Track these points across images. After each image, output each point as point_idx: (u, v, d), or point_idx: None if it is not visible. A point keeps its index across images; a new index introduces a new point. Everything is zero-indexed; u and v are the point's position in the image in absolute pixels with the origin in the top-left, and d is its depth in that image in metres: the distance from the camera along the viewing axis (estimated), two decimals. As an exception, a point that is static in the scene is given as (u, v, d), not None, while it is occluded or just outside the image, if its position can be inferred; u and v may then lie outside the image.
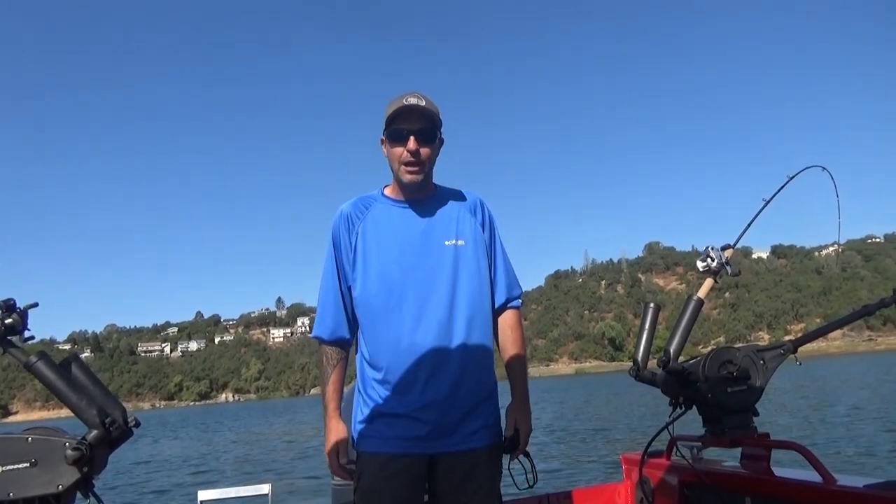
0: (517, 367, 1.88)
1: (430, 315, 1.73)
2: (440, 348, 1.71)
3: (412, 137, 1.74)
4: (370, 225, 1.82)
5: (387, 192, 1.89)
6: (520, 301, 1.95)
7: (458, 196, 1.91)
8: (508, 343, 1.90)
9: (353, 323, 1.85)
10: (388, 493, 1.66)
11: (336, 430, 1.78)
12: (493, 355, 1.85)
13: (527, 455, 1.83)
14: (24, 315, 1.61)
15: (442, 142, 1.85)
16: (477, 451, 1.73)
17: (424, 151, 1.76)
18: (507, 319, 1.91)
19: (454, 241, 1.80)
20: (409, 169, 1.77)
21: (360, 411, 1.78)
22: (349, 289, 1.84)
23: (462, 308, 1.76)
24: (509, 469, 1.83)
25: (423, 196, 1.85)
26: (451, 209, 1.86)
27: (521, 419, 1.82)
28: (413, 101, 1.74)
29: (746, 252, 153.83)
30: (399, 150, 1.76)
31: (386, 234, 1.81)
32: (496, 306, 1.88)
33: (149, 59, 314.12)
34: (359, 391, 1.81)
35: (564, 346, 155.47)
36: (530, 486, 1.85)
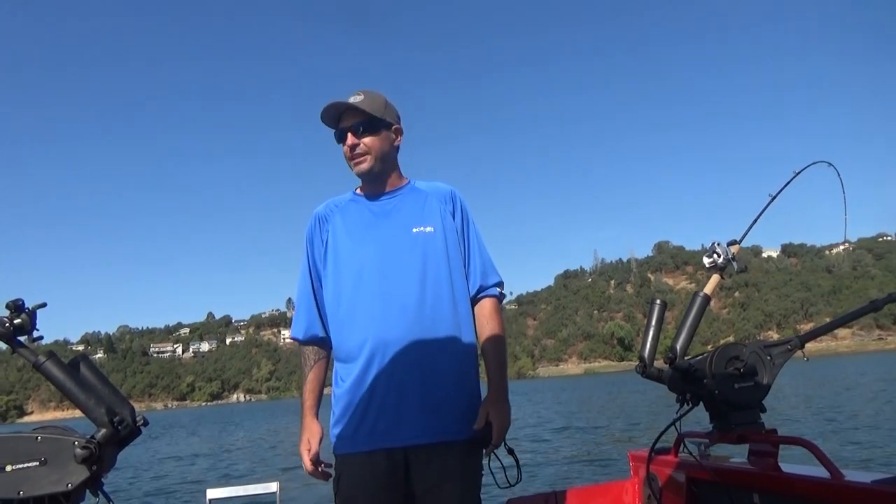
0: (494, 357, 1.80)
1: (397, 303, 1.70)
2: (407, 337, 1.68)
3: (349, 133, 1.79)
4: (339, 220, 1.85)
5: (358, 190, 1.93)
6: (497, 290, 1.87)
7: (429, 187, 1.91)
8: (484, 332, 1.82)
9: (328, 320, 1.84)
10: (364, 496, 1.63)
11: (308, 429, 1.78)
12: (473, 347, 1.79)
13: (511, 452, 1.74)
14: (32, 315, 1.58)
15: (399, 132, 1.88)
16: (450, 446, 1.67)
17: (366, 141, 1.80)
18: (482, 308, 1.85)
19: (421, 228, 1.79)
20: (354, 160, 1.82)
21: (334, 412, 1.76)
22: (322, 286, 1.85)
23: (430, 295, 1.73)
24: (489, 466, 1.75)
25: (393, 188, 1.88)
26: (420, 198, 1.87)
27: (495, 412, 1.70)
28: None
29: (756, 251, 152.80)
30: (344, 148, 1.83)
31: (354, 226, 1.83)
32: (470, 294, 1.83)
33: (156, 61, 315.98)
34: (333, 391, 1.80)
35: (573, 346, 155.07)
36: (511, 486, 1.75)
